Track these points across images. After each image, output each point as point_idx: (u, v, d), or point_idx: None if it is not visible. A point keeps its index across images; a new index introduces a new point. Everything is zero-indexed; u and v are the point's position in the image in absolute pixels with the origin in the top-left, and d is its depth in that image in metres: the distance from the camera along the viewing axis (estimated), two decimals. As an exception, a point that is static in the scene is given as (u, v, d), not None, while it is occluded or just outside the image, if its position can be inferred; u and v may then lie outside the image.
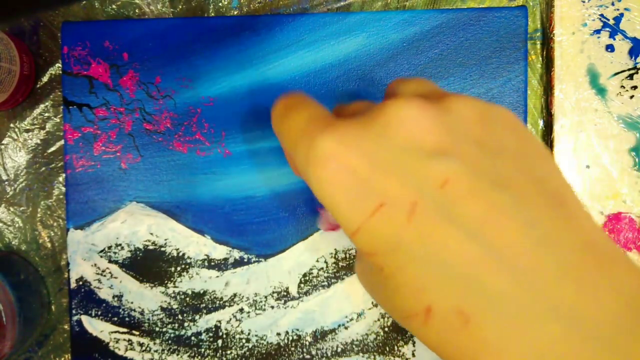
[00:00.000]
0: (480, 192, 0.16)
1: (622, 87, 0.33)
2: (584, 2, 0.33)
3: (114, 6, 0.35)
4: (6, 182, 0.35)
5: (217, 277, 0.33)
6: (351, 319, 0.33)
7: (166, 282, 0.33)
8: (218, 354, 0.33)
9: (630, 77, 0.33)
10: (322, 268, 0.33)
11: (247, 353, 0.33)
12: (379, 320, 0.33)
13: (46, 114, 0.35)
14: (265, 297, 0.33)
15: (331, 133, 0.18)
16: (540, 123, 0.34)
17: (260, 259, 0.33)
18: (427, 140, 0.17)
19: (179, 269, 0.33)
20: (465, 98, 0.19)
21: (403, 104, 0.18)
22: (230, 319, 0.33)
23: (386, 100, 0.18)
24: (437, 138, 0.17)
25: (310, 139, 0.18)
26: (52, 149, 0.35)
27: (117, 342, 0.33)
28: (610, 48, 0.33)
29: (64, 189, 0.34)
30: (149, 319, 0.33)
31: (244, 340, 0.33)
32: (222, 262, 0.33)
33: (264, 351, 0.33)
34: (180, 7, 0.35)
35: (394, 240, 0.17)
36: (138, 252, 0.33)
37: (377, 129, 0.18)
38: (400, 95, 0.18)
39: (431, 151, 0.17)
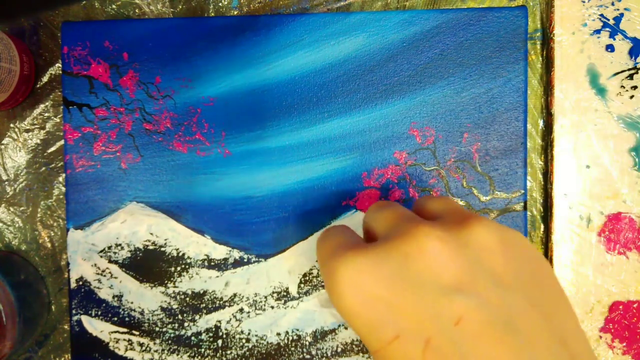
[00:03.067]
0: (492, 332, 0.16)
1: (622, 87, 0.33)
2: (584, 2, 0.33)
3: (114, 6, 0.35)
4: (6, 182, 0.35)
5: (217, 277, 0.33)
6: (351, 319, 0.33)
7: (166, 282, 0.33)
8: (218, 354, 0.33)
9: (630, 77, 0.33)
10: (322, 268, 0.33)
11: (247, 353, 0.33)
12: (379, 320, 0.33)
13: (46, 114, 0.35)
14: (265, 297, 0.33)
15: (350, 260, 0.18)
16: (540, 123, 0.34)
17: (260, 259, 0.33)
18: (445, 276, 0.17)
19: (179, 269, 0.33)
20: (486, 224, 0.19)
21: (423, 235, 0.18)
22: (230, 319, 0.33)
23: (407, 227, 0.19)
24: (455, 273, 0.17)
25: (331, 264, 0.19)
26: (52, 149, 0.35)
27: (117, 342, 0.33)
28: (610, 48, 0.33)
29: (64, 189, 0.34)
30: (149, 319, 0.33)
31: (244, 340, 0.33)
32: (222, 262, 0.33)
33: (264, 351, 0.33)
34: (180, 7, 0.35)
35: None
36: (138, 252, 0.33)
37: (398, 259, 0.18)
38: (421, 223, 0.19)
39: (448, 287, 0.17)
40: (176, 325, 0.33)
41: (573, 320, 0.18)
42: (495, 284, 0.18)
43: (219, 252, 0.33)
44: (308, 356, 0.33)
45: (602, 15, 0.33)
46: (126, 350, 0.33)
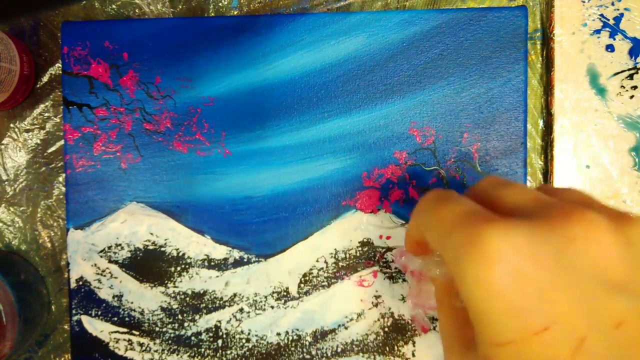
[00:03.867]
0: None
1: (622, 87, 0.33)
2: (584, 2, 0.33)
3: (114, 6, 0.35)
4: (6, 182, 0.35)
5: (217, 277, 0.33)
6: (351, 319, 0.33)
7: (166, 282, 0.33)
8: (218, 354, 0.33)
9: (630, 77, 0.33)
10: (322, 268, 0.33)
11: (247, 353, 0.33)
12: (379, 320, 0.33)
13: (46, 114, 0.35)
14: (265, 297, 0.33)
15: (502, 230, 0.16)
16: (540, 123, 0.34)
17: (260, 259, 0.33)
18: (613, 272, 0.16)
19: (179, 269, 0.33)
20: None
21: (594, 222, 0.16)
22: (230, 319, 0.33)
23: (570, 208, 0.16)
24: (623, 271, 0.16)
25: (475, 230, 0.16)
26: (52, 149, 0.35)
27: (117, 342, 0.33)
28: (610, 48, 0.33)
29: (64, 189, 0.34)
30: (149, 319, 0.33)
31: (244, 340, 0.33)
32: (222, 262, 0.33)
33: (264, 351, 0.33)
34: (180, 7, 0.35)
35: None
36: (138, 252, 0.33)
37: (560, 241, 0.16)
38: (585, 207, 0.16)
39: (614, 285, 0.15)
40: (176, 325, 0.33)
41: None
42: None
43: (219, 252, 0.33)
44: (308, 356, 0.33)
45: (602, 15, 0.33)
46: (126, 350, 0.33)
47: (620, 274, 0.16)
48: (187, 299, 0.33)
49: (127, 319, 0.33)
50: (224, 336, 0.33)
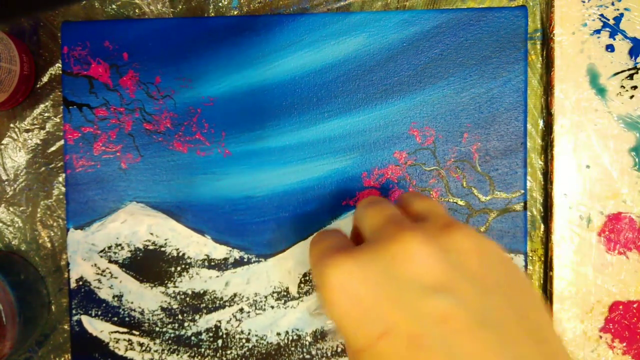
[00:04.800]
0: (474, 330, 0.18)
1: (622, 87, 0.33)
2: (584, 2, 0.33)
3: (114, 6, 0.35)
4: (6, 182, 0.35)
5: (217, 277, 0.33)
6: (351, 319, 0.33)
7: (166, 282, 0.33)
8: (218, 354, 0.33)
9: (630, 77, 0.33)
10: (322, 268, 0.33)
11: (247, 353, 0.33)
12: (379, 320, 0.33)
13: (46, 114, 0.35)
14: (265, 297, 0.33)
15: (339, 262, 0.20)
16: (540, 123, 0.34)
17: (260, 259, 0.33)
18: (428, 277, 0.19)
19: (179, 269, 0.33)
20: (466, 232, 0.20)
21: (409, 239, 0.19)
22: (230, 319, 0.33)
23: (394, 230, 0.20)
24: (437, 274, 0.19)
25: (322, 266, 0.20)
26: (52, 149, 0.35)
27: (117, 342, 0.33)
28: (610, 48, 0.33)
29: (64, 189, 0.34)
30: (149, 319, 0.33)
31: (244, 340, 0.33)
32: (222, 262, 0.33)
33: (264, 351, 0.33)
34: (180, 7, 0.35)
35: None
36: (138, 252, 0.33)
37: (385, 260, 0.19)
38: (406, 227, 0.20)
39: (433, 287, 0.18)
40: (176, 325, 0.33)
41: (546, 320, 0.20)
42: (475, 286, 0.19)
43: (219, 252, 0.33)
44: (308, 356, 0.33)
45: (602, 15, 0.33)
46: (126, 350, 0.33)
47: (436, 278, 0.19)
48: (187, 299, 0.33)
49: (127, 319, 0.33)
50: (224, 336, 0.33)
